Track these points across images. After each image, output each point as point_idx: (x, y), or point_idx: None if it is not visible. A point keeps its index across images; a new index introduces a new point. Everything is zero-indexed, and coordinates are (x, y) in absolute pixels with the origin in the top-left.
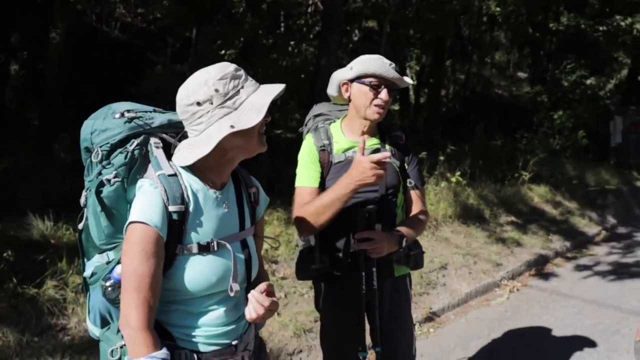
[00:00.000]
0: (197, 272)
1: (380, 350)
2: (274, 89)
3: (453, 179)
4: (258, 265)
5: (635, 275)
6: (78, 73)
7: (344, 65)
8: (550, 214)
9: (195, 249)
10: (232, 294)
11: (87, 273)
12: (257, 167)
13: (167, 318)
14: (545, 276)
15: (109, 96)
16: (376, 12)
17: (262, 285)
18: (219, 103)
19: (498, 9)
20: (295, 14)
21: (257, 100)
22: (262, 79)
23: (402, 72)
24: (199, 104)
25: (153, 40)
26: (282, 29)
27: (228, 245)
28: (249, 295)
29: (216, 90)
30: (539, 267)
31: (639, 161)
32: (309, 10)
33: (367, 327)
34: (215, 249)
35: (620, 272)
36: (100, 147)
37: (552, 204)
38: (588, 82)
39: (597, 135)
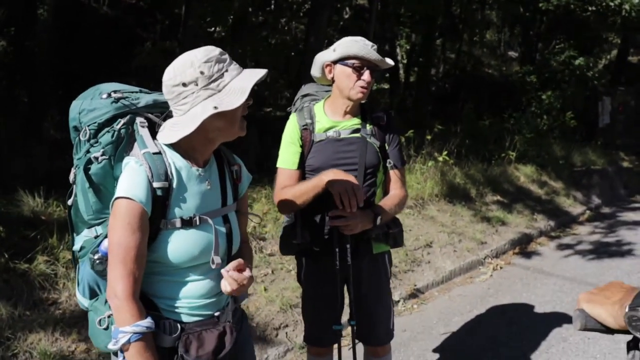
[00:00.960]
0: (180, 245)
1: (355, 324)
2: (257, 74)
3: (440, 158)
4: (240, 240)
5: (615, 254)
6: (67, 49)
7: (333, 43)
8: (535, 193)
9: (178, 224)
10: (213, 266)
11: (77, 247)
12: (247, 145)
13: (152, 289)
14: (528, 255)
15: (98, 73)
16: None
17: (234, 263)
18: (204, 85)
19: None
20: None
21: (240, 84)
22: (251, 57)
23: (392, 50)
24: (184, 84)
25: (142, 16)
26: (273, 6)
27: (210, 220)
28: (222, 271)
29: (201, 72)
30: (523, 246)
31: (626, 142)
32: None
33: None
34: (198, 223)
35: (600, 251)
36: (88, 126)
37: (538, 183)
38: (577, 62)
39: (585, 116)
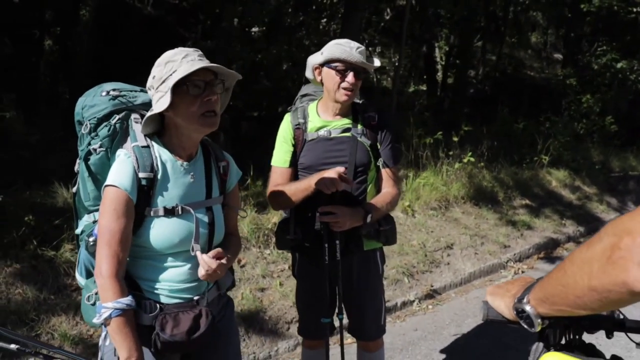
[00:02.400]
0: (162, 232)
1: (342, 318)
2: (190, 68)
3: (465, 160)
4: (227, 231)
5: None
6: (108, 49)
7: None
8: (567, 198)
9: (161, 212)
10: (193, 254)
11: (78, 230)
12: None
13: (136, 271)
14: (553, 260)
15: (137, 72)
16: None
17: (213, 251)
18: (156, 87)
19: None
20: None
21: (186, 67)
22: (286, 57)
23: (430, 51)
24: (149, 89)
25: (185, 16)
26: (313, 7)
27: (191, 210)
28: (197, 254)
29: (153, 77)
30: (549, 251)
31: None
32: None
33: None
34: (180, 212)
35: None
36: (89, 120)
37: (570, 188)
38: (619, 65)
39: (627, 120)
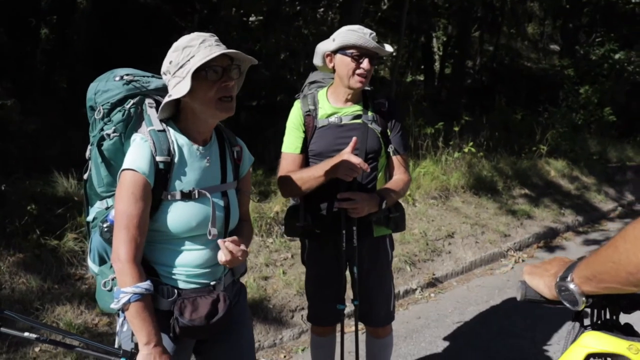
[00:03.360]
0: (179, 215)
1: (358, 303)
2: (209, 54)
3: (465, 150)
4: (239, 217)
5: None
6: (106, 38)
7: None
8: (565, 188)
9: (178, 196)
10: (210, 237)
11: (90, 218)
12: (273, 133)
13: (153, 256)
14: (553, 249)
15: (135, 61)
16: None
17: (231, 238)
18: (173, 73)
19: None
20: None
21: (204, 53)
22: (284, 47)
23: (428, 42)
24: (164, 73)
25: (182, 5)
26: None
27: (208, 194)
28: (219, 241)
29: (170, 62)
30: (548, 240)
31: None
32: None
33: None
34: (196, 197)
35: None
36: (102, 105)
37: (569, 178)
38: (617, 56)
39: (624, 112)
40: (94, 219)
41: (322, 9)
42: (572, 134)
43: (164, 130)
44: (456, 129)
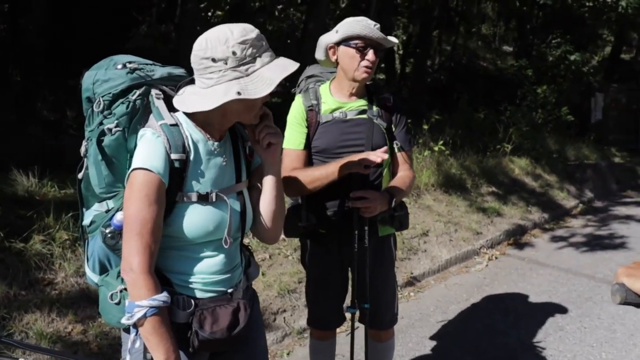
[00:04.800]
0: (196, 219)
1: (368, 307)
2: (287, 67)
3: (436, 148)
4: (253, 215)
5: (608, 247)
6: (61, 29)
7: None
8: (530, 186)
9: (194, 198)
10: (226, 246)
11: (86, 221)
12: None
13: (165, 264)
14: (523, 246)
15: (92, 54)
16: None
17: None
18: (233, 65)
19: None
20: None
21: (269, 74)
22: None
23: None
24: (214, 60)
25: None
26: None
27: (225, 197)
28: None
29: (233, 53)
30: (517, 237)
31: (617, 138)
32: None
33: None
34: (214, 200)
35: (594, 243)
36: (102, 97)
37: (532, 176)
38: (572, 57)
39: (578, 111)
40: (92, 222)
41: (280, 6)
42: (533, 133)
43: (176, 125)
44: (426, 127)
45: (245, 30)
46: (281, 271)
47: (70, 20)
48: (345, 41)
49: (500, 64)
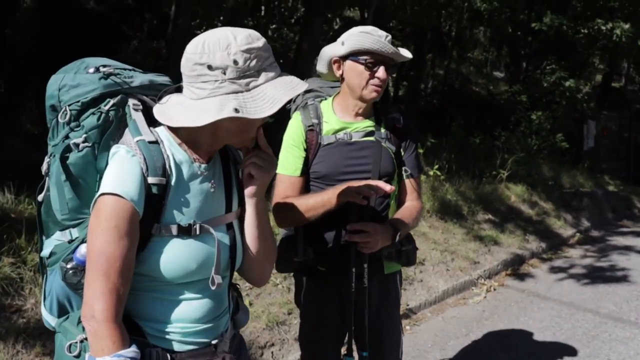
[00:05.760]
0: (176, 256)
1: (367, 355)
2: (295, 86)
3: (431, 173)
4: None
5: (610, 280)
6: (49, 41)
7: None
8: (526, 213)
9: (175, 230)
10: (213, 287)
11: (46, 252)
12: None
13: (137, 309)
14: (522, 277)
15: None
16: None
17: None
18: (232, 77)
19: (484, 4)
20: None
21: (273, 92)
22: None
23: None
24: (210, 67)
25: (130, 14)
26: (263, 11)
27: (212, 230)
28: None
29: (235, 62)
30: (515, 267)
31: (610, 166)
32: None
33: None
34: (198, 232)
35: (595, 276)
36: (69, 105)
37: (529, 203)
38: (567, 84)
39: (571, 138)
40: (52, 254)
41: (274, 25)
42: (528, 159)
43: (156, 142)
44: (421, 151)
45: (250, 37)
46: (270, 301)
47: (59, 32)
48: (352, 55)
49: (493, 89)
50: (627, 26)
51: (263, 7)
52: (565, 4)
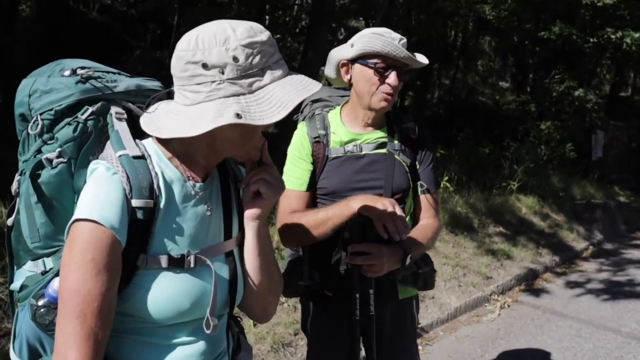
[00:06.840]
0: (165, 293)
1: None
2: (307, 86)
3: (441, 184)
4: (245, 288)
5: (630, 295)
6: (50, 51)
7: None
8: (538, 226)
9: (164, 262)
10: (208, 331)
11: (16, 285)
12: None
13: (119, 354)
14: (536, 292)
15: None
16: (366, 8)
17: None
18: (232, 77)
19: (493, 13)
20: (281, 6)
21: (281, 93)
22: None
23: None
24: (205, 66)
25: (133, 24)
26: (267, 21)
27: (209, 262)
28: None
29: (234, 59)
30: (529, 282)
31: (619, 176)
32: (296, 2)
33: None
34: (192, 265)
35: (613, 291)
36: (41, 114)
37: (540, 215)
38: (576, 93)
39: (580, 149)
40: (23, 287)
41: (278, 35)
42: (537, 170)
43: (142, 157)
44: None
45: (252, 30)
46: (275, 321)
47: (61, 42)
48: (361, 59)
49: (499, 99)
50: (637, 35)
51: (267, 17)
52: (574, 12)
